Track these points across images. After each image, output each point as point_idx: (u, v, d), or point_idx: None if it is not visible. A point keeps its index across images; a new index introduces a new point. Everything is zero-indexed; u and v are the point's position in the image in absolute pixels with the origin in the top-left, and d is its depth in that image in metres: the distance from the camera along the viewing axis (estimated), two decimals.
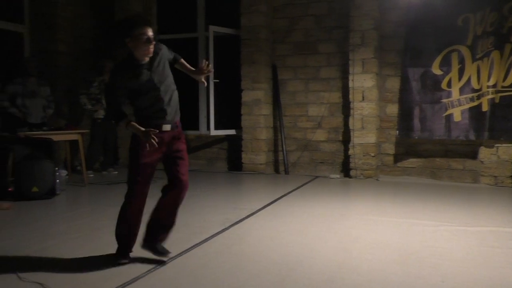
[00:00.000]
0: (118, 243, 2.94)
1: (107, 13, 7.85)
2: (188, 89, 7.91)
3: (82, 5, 7.71)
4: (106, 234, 3.56)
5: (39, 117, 6.04)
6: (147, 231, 2.97)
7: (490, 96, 6.00)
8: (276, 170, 7.31)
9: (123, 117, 2.75)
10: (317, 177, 6.75)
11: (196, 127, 7.89)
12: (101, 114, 6.81)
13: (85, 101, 6.70)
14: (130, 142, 2.83)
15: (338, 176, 6.78)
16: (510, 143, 5.96)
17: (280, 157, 7.25)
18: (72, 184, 5.90)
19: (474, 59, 6.10)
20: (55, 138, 5.47)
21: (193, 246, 3.23)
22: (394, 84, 6.67)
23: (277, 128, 7.31)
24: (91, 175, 6.54)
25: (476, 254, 3.08)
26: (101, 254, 3.07)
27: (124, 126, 2.74)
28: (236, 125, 7.35)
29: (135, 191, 2.85)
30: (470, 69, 6.13)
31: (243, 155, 7.19)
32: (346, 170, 6.80)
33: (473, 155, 6.29)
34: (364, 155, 6.58)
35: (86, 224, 3.89)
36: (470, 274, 2.70)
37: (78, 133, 5.99)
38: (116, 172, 6.97)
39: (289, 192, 5.45)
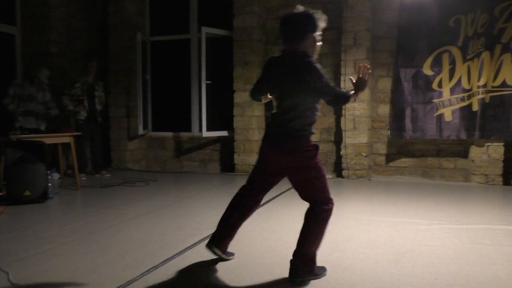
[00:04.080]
0: (312, 260, 2.64)
1: (100, 14, 7.84)
2: (180, 91, 7.94)
3: (75, 6, 7.66)
4: (101, 237, 3.56)
5: (33, 122, 5.99)
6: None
7: (480, 96, 6.06)
8: None
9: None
10: None
11: (188, 128, 7.89)
12: (83, 115, 6.68)
13: (67, 102, 6.58)
14: (312, 153, 2.57)
15: (330, 176, 6.81)
16: (500, 142, 6.03)
17: None
18: (65, 187, 5.87)
19: (464, 60, 6.17)
20: (47, 141, 5.44)
21: (187, 248, 3.23)
22: (386, 84, 6.72)
23: None
24: (84, 178, 6.51)
25: (468, 252, 3.12)
26: (96, 257, 3.06)
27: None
28: (228, 126, 7.36)
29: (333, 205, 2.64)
30: (461, 70, 6.20)
31: (236, 157, 7.20)
32: (338, 170, 6.84)
33: (464, 154, 6.35)
34: (356, 155, 6.61)
35: (80, 228, 3.87)
36: (463, 271, 2.73)
37: (71, 135, 5.96)
38: (109, 175, 6.93)
39: (281, 193, 5.46)
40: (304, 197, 2.64)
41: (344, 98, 2.62)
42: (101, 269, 2.80)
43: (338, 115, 6.82)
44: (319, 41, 2.60)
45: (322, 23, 2.58)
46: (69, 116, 6.75)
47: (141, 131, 7.82)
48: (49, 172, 5.14)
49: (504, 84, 5.97)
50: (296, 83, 2.51)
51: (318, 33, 2.58)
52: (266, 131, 2.75)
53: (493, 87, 6.03)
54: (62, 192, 5.53)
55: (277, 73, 2.61)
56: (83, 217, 4.30)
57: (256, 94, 2.86)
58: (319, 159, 2.60)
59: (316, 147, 2.59)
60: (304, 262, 2.58)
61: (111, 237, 3.54)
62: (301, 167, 2.57)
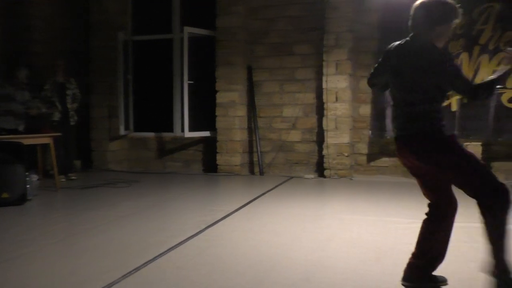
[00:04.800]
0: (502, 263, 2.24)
1: (83, 13, 7.73)
2: (162, 91, 7.89)
3: (57, 5, 7.52)
4: (81, 239, 3.51)
5: (12, 122, 5.88)
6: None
7: (459, 96, 6.17)
8: (251, 171, 7.33)
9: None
10: (292, 177, 6.80)
11: (171, 129, 7.84)
12: (56, 116, 6.51)
13: (39, 105, 6.43)
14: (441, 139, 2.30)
15: (312, 176, 6.85)
16: (478, 142, 6.15)
17: (255, 158, 7.28)
18: (44, 189, 5.77)
19: None
20: (26, 141, 5.34)
21: (169, 249, 3.21)
22: (367, 85, 6.76)
23: (252, 129, 7.33)
24: (63, 180, 6.40)
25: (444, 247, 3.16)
26: (76, 260, 3.01)
27: None
28: (211, 126, 7.34)
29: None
30: None
31: (218, 157, 7.18)
32: (320, 170, 6.88)
33: None
34: (338, 155, 6.67)
35: (60, 230, 3.81)
36: (441, 268, 2.77)
37: (50, 136, 5.86)
38: (75, 178, 6.67)
39: (264, 193, 5.47)
40: (466, 191, 2.27)
41: (476, 94, 2.33)
42: (81, 271, 2.77)
43: (320, 115, 6.86)
44: (448, 33, 2.39)
45: (455, 15, 2.34)
46: (44, 118, 6.57)
47: (122, 131, 7.74)
48: (27, 173, 5.05)
49: None
50: (425, 74, 2.30)
51: (448, 25, 2.35)
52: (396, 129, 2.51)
53: None
54: (41, 194, 5.43)
55: (401, 62, 2.41)
56: (63, 219, 4.24)
57: (374, 83, 2.69)
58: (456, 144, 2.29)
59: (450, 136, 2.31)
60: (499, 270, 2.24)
61: (91, 239, 3.49)
62: (437, 161, 2.29)
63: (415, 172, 2.48)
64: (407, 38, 2.46)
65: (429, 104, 2.32)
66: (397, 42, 2.51)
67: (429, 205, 2.51)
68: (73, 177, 6.69)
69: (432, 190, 2.46)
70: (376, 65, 2.60)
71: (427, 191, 2.50)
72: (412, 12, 2.42)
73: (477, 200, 2.23)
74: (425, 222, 2.51)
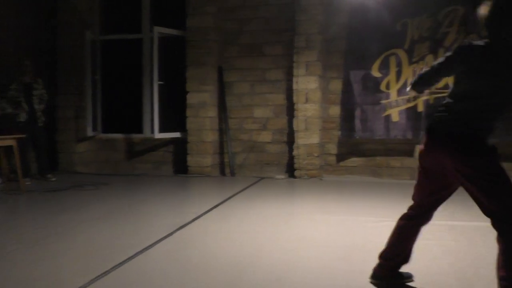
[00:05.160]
0: None
1: (49, 11, 7.52)
2: (132, 91, 7.77)
3: (23, 2, 7.27)
4: (47, 244, 3.41)
5: None
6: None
7: (425, 98, 6.33)
8: (222, 172, 7.31)
9: None
10: (263, 178, 6.83)
11: (140, 130, 7.73)
12: (22, 117, 6.35)
13: (4, 106, 6.25)
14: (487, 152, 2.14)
15: (283, 176, 6.89)
16: None
17: (226, 159, 7.26)
18: (8, 192, 5.59)
19: (410, 62, 6.43)
20: None
21: (139, 252, 3.17)
22: (337, 86, 6.88)
23: (223, 130, 7.31)
24: (28, 183, 6.21)
25: (414, 247, 3.24)
26: (42, 265, 2.93)
27: None
28: (181, 127, 7.28)
29: None
30: (407, 72, 6.45)
31: (189, 158, 7.13)
32: (291, 170, 6.93)
33: (411, 153, 6.61)
34: (308, 156, 6.73)
35: (25, 235, 3.70)
36: (409, 265, 2.84)
37: (13, 138, 5.68)
38: (55, 179, 6.61)
39: (235, 194, 5.47)
40: (485, 209, 2.15)
41: None
42: (47, 277, 2.69)
43: (291, 116, 6.91)
44: None
45: None
46: (8, 119, 6.36)
47: (90, 132, 7.58)
48: None
49: (446, 87, 6.22)
50: None
51: None
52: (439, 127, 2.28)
53: (436, 89, 6.30)
54: (5, 198, 5.27)
55: (496, 62, 2.12)
56: (28, 223, 4.12)
57: (430, 83, 2.47)
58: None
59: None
60: None
61: (58, 244, 3.40)
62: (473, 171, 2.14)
63: (433, 171, 2.34)
64: (487, 40, 2.18)
65: (506, 105, 2.18)
66: (477, 43, 2.21)
67: (413, 208, 2.49)
68: (52, 179, 6.53)
69: (433, 195, 2.41)
70: (439, 65, 2.34)
71: (425, 194, 2.43)
72: (491, 8, 2.15)
73: (493, 221, 2.12)
74: (404, 226, 2.51)
